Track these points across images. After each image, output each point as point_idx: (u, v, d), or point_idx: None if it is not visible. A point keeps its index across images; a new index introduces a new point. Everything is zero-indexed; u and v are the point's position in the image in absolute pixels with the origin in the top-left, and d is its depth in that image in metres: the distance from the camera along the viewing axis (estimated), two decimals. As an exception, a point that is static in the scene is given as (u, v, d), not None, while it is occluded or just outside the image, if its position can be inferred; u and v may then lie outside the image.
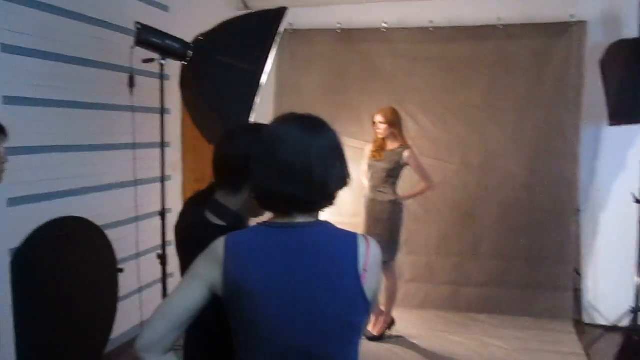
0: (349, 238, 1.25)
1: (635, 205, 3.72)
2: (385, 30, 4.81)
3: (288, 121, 1.28)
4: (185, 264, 1.29)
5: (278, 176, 1.21)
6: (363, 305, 1.22)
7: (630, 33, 4.05)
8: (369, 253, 1.23)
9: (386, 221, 3.92)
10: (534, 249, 4.54)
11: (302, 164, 1.20)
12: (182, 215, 1.62)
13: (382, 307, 4.10)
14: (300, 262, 1.20)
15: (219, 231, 1.27)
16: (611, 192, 4.44)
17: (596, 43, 4.39)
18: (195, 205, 1.58)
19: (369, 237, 1.28)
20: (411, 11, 4.85)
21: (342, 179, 1.29)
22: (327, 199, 1.27)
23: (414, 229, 4.71)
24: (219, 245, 1.23)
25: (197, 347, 1.51)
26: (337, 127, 4.48)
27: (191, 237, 1.40)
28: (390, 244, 3.95)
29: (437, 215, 4.71)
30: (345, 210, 4.71)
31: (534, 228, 4.54)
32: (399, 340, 4.04)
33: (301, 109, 4.64)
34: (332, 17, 4.97)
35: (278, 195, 1.22)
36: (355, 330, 1.25)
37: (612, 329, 3.99)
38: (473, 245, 4.65)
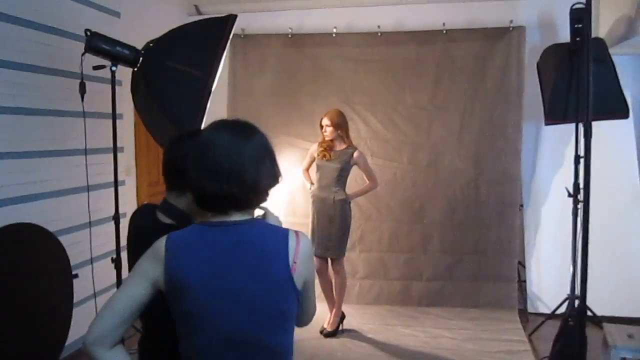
0: (280, 234, 1.37)
1: (570, 199, 3.95)
2: (335, 35, 4.95)
3: (220, 126, 1.38)
4: (135, 262, 1.37)
5: (212, 177, 1.31)
6: (293, 294, 1.34)
7: (565, 37, 4.30)
8: (299, 247, 1.35)
9: (337, 219, 4.04)
10: (480, 243, 4.75)
11: (235, 165, 1.31)
12: (136, 215, 1.71)
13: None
14: (234, 257, 1.31)
15: (168, 230, 1.37)
16: (551, 188, 4.69)
17: (535, 47, 4.64)
18: (148, 206, 1.67)
19: (299, 232, 1.40)
20: (360, 17, 5.02)
21: (274, 177, 1.41)
22: (260, 197, 1.39)
23: (366, 227, 4.88)
24: (160, 244, 1.32)
25: (149, 342, 1.61)
26: (289, 128, 4.65)
27: (143, 236, 1.48)
28: (341, 241, 4.08)
29: (388, 214, 4.87)
30: (300, 211, 4.83)
31: (480, 223, 4.76)
32: (353, 334, 4.17)
33: (254, 111, 4.81)
34: (284, 22, 5.09)
35: (213, 195, 1.32)
36: (286, 317, 1.36)
37: (553, 316, 4.21)
38: (423, 241, 4.83)
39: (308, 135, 4.80)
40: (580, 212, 3.07)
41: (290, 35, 5.03)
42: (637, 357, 2.68)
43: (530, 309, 4.66)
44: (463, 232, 4.77)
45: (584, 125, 2.67)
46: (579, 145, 3.74)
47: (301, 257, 1.34)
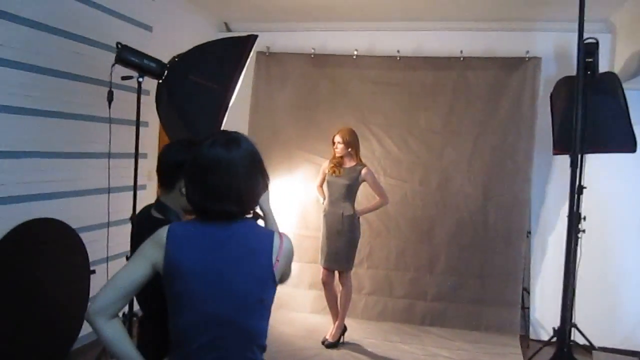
0: (267, 234, 1.58)
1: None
2: (355, 57, 5.13)
3: (214, 146, 1.54)
4: (134, 249, 1.57)
5: (212, 197, 1.51)
6: (272, 286, 1.55)
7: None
8: (282, 247, 1.55)
9: (346, 234, 4.19)
10: (486, 267, 4.82)
11: (231, 185, 1.50)
12: (137, 213, 1.94)
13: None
14: (225, 250, 1.51)
15: (157, 223, 1.59)
16: (559, 216, 4.75)
17: (550, 78, 4.74)
18: (148, 205, 1.92)
19: (283, 235, 1.60)
20: (380, 40, 5.20)
21: (264, 187, 1.60)
22: (253, 207, 1.61)
23: (375, 244, 5.00)
24: (163, 232, 1.53)
25: (148, 320, 1.89)
26: (305, 144, 4.86)
27: (139, 228, 1.72)
28: (348, 255, 4.23)
29: (397, 232, 4.99)
30: (312, 225, 4.98)
31: (487, 247, 4.83)
32: (354, 347, 4.28)
33: (273, 125, 5.04)
34: (307, 42, 5.30)
35: (214, 212, 1.53)
36: (264, 305, 1.56)
37: (550, 343, 4.25)
38: (429, 261, 4.93)
39: (323, 151, 4.95)
40: (574, 240, 3.14)
41: (312, 55, 5.23)
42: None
43: (532, 336, 4.71)
44: (470, 255, 4.85)
45: (571, 157, 2.78)
46: (582, 176, 3.82)
47: (283, 254, 1.55)
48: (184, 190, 1.62)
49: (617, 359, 2.95)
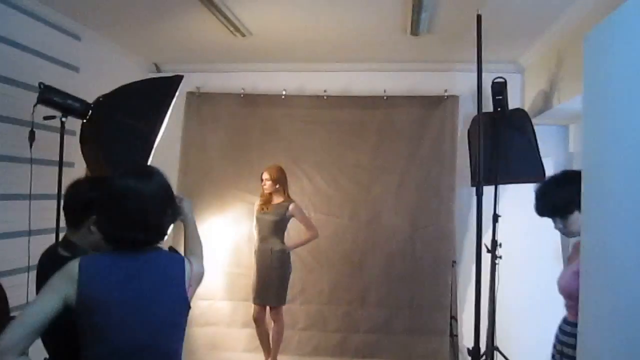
0: (179, 261, 1.66)
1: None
2: (284, 97, 5.29)
3: (126, 177, 1.61)
4: (40, 287, 1.57)
5: (122, 225, 1.57)
6: (186, 309, 1.64)
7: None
8: (192, 272, 1.64)
9: (276, 269, 4.24)
10: (415, 297, 4.97)
11: (140, 214, 1.56)
12: (44, 252, 1.99)
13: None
14: (139, 279, 1.56)
15: (65, 261, 1.61)
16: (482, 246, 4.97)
17: (469, 115, 5.04)
18: (54, 244, 1.92)
19: (192, 259, 1.69)
20: (308, 81, 5.38)
21: (173, 217, 1.64)
22: (162, 236, 1.66)
23: (308, 280, 5.05)
24: (74, 265, 1.55)
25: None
26: (238, 183, 4.92)
27: (44, 267, 1.74)
28: (279, 290, 4.27)
29: (329, 267, 5.07)
30: (244, 262, 4.99)
31: (416, 278, 4.99)
32: (287, 384, 4.28)
33: (205, 165, 5.09)
34: (237, 82, 5.42)
35: (123, 240, 1.58)
36: (179, 328, 1.63)
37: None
38: (361, 294, 5.03)
39: (255, 190, 4.99)
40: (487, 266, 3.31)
41: (242, 95, 5.35)
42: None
43: (461, 362, 4.85)
44: (399, 286, 4.99)
45: (475, 186, 2.97)
46: (497, 205, 4.06)
47: (195, 279, 1.65)
48: (93, 227, 1.66)
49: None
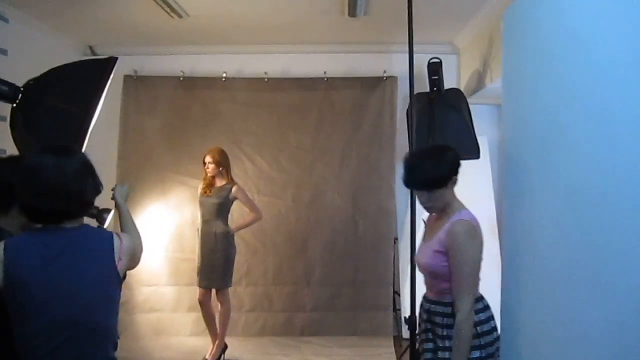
0: (107, 236, 1.66)
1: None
2: (224, 80, 5.25)
3: (43, 152, 1.61)
4: None
5: (41, 196, 1.55)
6: (117, 282, 1.64)
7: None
8: (122, 246, 1.65)
9: (220, 251, 4.25)
10: (358, 274, 5.10)
11: (59, 183, 1.55)
12: None
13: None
14: (66, 256, 1.56)
15: None
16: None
17: (407, 95, 5.15)
18: None
19: (121, 235, 1.69)
20: (248, 63, 5.37)
21: (96, 189, 1.66)
22: (86, 207, 1.66)
23: (253, 262, 5.09)
24: (0, 248, 1.53)
25: None
26: (179, 167, 4.89)
27: None
28: (224, 272, 4.28)
29: (273, 248, 5.12)
30: (187, 247, 4.97)
31: (359, 256, 5.12)
32: (234, 364, 4.33)
33: (145, 149, 5.02)
34: (176, 65, 5.34)
35: (45, 212, 1.57)
36: (112, 301, 1.65)
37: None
38: (305, 273, 5.11)
39: (197, 173, 4.94)
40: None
41: (181, 78, 5.28)
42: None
43: (405, 335, 5.01)
44: (343, 264, 5.11)
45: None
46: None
47: (125, 252, 1.65)
48: (18, 210, 1.63)
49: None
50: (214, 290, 4.35)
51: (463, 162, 4.16)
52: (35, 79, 3.41)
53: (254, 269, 5.10)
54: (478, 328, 2.16)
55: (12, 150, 4.29)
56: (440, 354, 2.23)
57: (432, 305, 2.28)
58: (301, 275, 5.11)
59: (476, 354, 2.14)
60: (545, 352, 1.75)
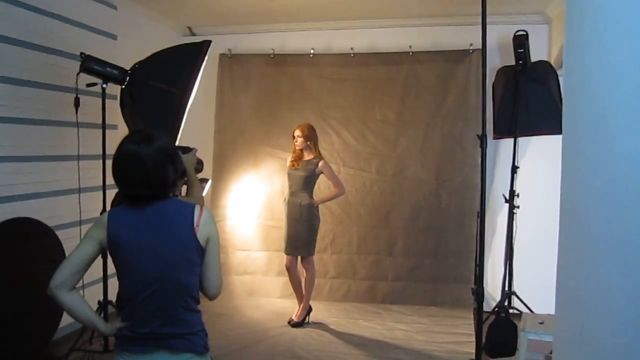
0: (188, 207, 1.92)
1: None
2: (312, 56, 5.45)
3: (126, 141, 1.89)
4: None
5: (128, 185, 1.87)
6: (196, 247, 1.88)
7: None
8: (201, 216, 1.89)
9: (304, 222, 4.51)
10: (440, 247, 5.19)
11: (139, 175, 1.84)
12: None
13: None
14: (152, 223, 1.85)
15: None
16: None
17: (494, 68, 5.09)
18: None
19: (203, 207, 1.95)
20: (335, 39, 5.52)
21: (177, 172, 1.94)
22: (169, 189, 1.93)
23: (338, 231, 5.34)
24: (105, 216, 1.88)
25: None
26: (269, 140, 5.29)
27: None
28: (308, 241, 4.54)
29: (357, 219, 5.33)
30: (277, 215, 5.29)
31: (441, 229, 5.20)
32: (318, 326, 4.61)
33: (238, 124, 5.44)
34: (267, 43, 5.60)
35: (130, 196, 1.88)
36: (192, 263, 1.89)
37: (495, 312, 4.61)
38: (388, 244, 5.28)
39: (287, 146, 5.24)
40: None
41: (272, 55, 5.54)
42: (541, 337, 3.12)
43: (485, 308, 5.05)
44: (425, 236, 5.21)
45: (480, 137, 3.12)
46: (516, 157, 4.18)
47: (203, 221, 1.89)
48: None
49: (543, 318, 3.31)
50: (299, 257, 4.63)
51: (545, 138, 4.10)
52: (140, 63, 3.79)
53: (339, 238, 5.34)
54: None
55: (122, 126, 4.78)
56: None
57: None
58: (384, 245, 5.28)
59: None
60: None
